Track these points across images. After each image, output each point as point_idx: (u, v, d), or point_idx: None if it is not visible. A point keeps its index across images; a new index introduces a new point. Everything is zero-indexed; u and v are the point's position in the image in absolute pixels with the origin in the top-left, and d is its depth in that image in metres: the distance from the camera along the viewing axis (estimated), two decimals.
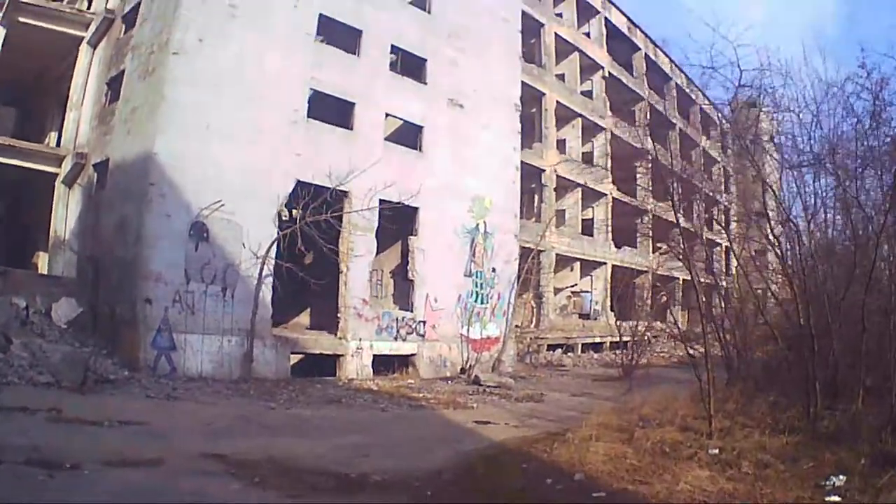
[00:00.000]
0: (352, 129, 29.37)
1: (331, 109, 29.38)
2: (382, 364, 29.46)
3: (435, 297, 31.89)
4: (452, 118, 33.41)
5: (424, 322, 31.45)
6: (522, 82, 38.75)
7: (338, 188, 27.23)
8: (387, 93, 30.86)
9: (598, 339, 46.79)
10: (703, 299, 23.08)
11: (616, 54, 52.61)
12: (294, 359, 28.00)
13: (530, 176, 41.53)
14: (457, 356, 32.55)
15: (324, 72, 28.55)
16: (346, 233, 28.42)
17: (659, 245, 53.94)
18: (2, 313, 22.32)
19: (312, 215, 25.77)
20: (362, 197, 28.28)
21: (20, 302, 23.59)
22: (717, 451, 13.43)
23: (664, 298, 53.03)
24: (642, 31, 55.66)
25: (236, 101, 25.65)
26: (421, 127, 32.26)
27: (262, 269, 25.47)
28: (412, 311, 31.22)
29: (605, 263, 49.34)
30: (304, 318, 34.70)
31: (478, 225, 34.10)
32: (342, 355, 28.33)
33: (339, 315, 28.67)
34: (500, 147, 35.84)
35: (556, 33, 46.62)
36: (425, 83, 32.61)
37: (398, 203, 29.61)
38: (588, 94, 50.45)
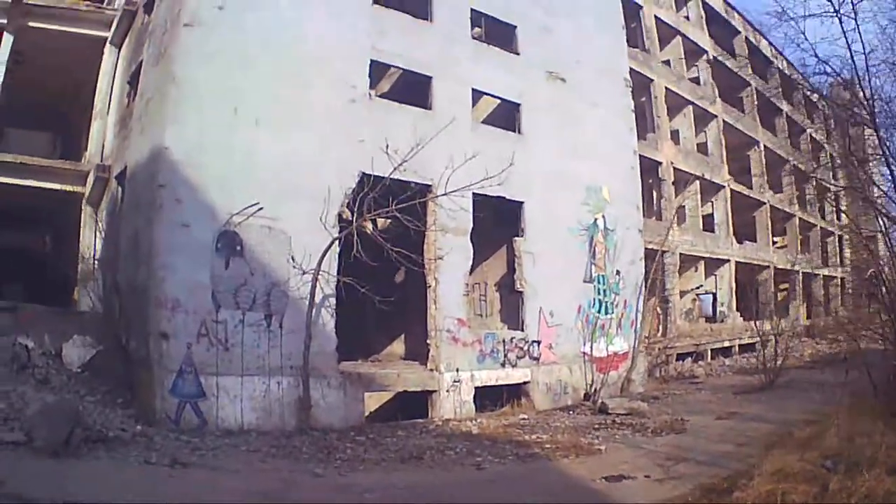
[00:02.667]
0: (430, 108, 20.95)
1: (402, 90, 21.94)
2: (488, 397, 20.98)
3: (550, 311, 22.87)
4: (554, 94, 24.30)
5: (538, 342, 22.49)
6: (629, 68, 29.43)
7: (417, 181, 19.08)
8: (471, 65, 22.22)
9: (727, 344, 37.68)
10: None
11: (717, 39, 43.38)
12: (381, 398, 21.12)
13: (646, 170, 32.26)
14: (579, 379, 23.51)
15: (387, 40, 20.28)
16: (432, 236, 19.96)
17: (775, 240, 46.34)
18: None
19: (383, 216, 18.07)
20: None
21: (27, 342, 17.05)
22: None
23: (784, 294, 46.55)
24: (739, 13, 46.44)
25: (273, 79, 17.94)
26: (517, 104, 23.36)
27: (314, 288, 17.25)
28: (523, 330, 22.38)
29: (728, 260, 40.02)
30: (399, 346, 26.39)
31: (596, 220, 24.89)
32: (434, 391, 19.91)
33: (428, 341, 20.26)
34: (613, 127, 26.49)
35: (655, 16, 37.61)
36: (517, 53, 23.70)
37: (496, 197, 20.95)
38: (695, 80, 41.35)
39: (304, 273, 17.23)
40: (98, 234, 21.80)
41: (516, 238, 22.61)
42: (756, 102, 43.79)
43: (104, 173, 21.70)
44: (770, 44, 44.60)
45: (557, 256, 23.30)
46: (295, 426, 16.74)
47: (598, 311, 24.60)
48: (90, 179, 22.21)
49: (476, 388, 20.62)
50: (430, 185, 19.55)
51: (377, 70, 20.79)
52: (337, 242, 17.61)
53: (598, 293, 24.73)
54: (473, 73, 22.13)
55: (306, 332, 17.04)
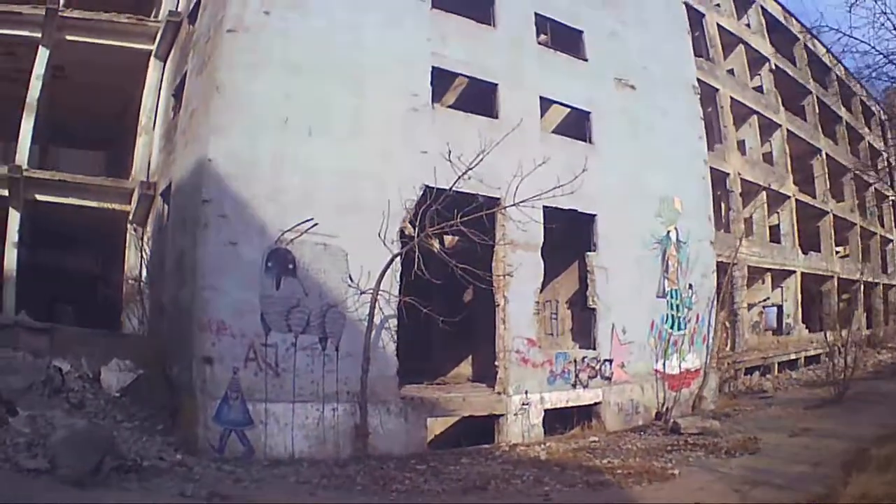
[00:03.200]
0: (496, 117, 18.76)
1: (467, 102, 19.87)
2: (557, 419, 19.04)
3: (623, 328, 20.61)
4: (624, 102, 21.95)
5: (611, 361, 20.26)
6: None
7: (484, 194, 17.02)
8: (538, 71, 20.04)
9: (793, 356, 34.81)
10: None
11: (777, 47, 40.40)
12: (446, 422, 18.91)
13: (714, 181, 29.55)
14: (651, 398, 21.21)
15: (449, 47, 18.31)
16: (501, 251, 17.87)
17: (837, 249, 43.36)
18: (25, 378, 14.50)
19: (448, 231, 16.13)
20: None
21: (62, 365, 15.43)
22: None
23: (845, 304, 42.42)
24: (797, 20, 43.14)
25: (326, 87, 16.21)
26: (587, 113, 21.10)
27: (373, 309, 15.28)
28: (595, 349, 20.19)
29: (794, 272, 37.07)
30: (466, 368, 24.19)
31: (668, 232, 22.44)
32: (501, 415, 17.81)
33: (496, 363, 18.19)
34: (683, 136, 23.97)
35: (718, 24, 34.96)
36: (585, 59, 21.43)
37: (568, 209, 18.89)
38: (758, 89, 38.44)
39: (362, 293, 15.36)
40: (143, 253, 20.22)
41: (589, 253, 20.43)
42: (817, 110, 41.63)
43: (149, 190, 20.19)
44: (828, 50, 41.90)
45: (630, 271, 21.08)
46: (350, 455, 15.00)
47: (671, 327, 22.29)
48: (134, 197, 20.68)
49: (545, 410, 18.59)
50: (497, 199, 17.41)
51: (441, 80, 18.79)
52: (398, 260, 15.68)
53: (671, 308, 22.41)
54: (541, 80, 20.02)
55: (364, 356, 15.16)
